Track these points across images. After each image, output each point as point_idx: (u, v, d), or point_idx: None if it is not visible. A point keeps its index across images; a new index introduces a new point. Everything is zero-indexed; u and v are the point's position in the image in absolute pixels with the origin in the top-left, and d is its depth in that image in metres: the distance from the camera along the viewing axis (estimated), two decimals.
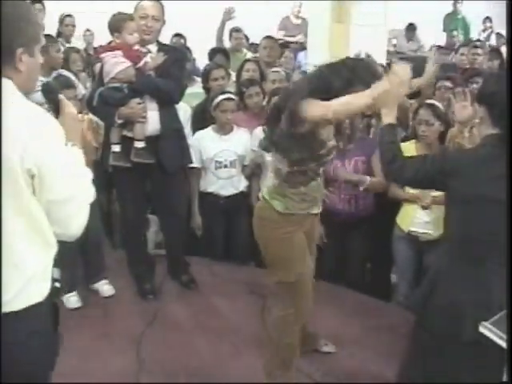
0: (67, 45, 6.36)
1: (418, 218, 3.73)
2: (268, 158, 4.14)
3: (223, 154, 4.25)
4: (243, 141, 4.31)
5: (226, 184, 4.30)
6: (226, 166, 4.27)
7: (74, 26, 6.88)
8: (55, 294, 1.91)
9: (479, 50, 5.80)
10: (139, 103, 3.63)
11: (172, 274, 4.16)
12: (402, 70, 2.45)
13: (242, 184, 4.36)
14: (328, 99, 2.62)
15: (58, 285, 1.92)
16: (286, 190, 2.83)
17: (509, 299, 1.38)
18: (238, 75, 5.05)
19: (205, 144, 4.26)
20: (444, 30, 9.88)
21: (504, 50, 7.52)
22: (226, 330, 3.60)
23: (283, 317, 2.95)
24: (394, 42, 9.18)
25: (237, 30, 7.03)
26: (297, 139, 2.71)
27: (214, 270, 4.33)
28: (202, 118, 4.46)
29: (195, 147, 4.22)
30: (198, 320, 3.71)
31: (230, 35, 6.94)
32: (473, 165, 2.22)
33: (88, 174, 1.91)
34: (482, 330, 1.44)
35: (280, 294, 2.96)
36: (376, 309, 3.93)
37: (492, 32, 10.16)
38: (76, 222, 1.82)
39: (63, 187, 1.77)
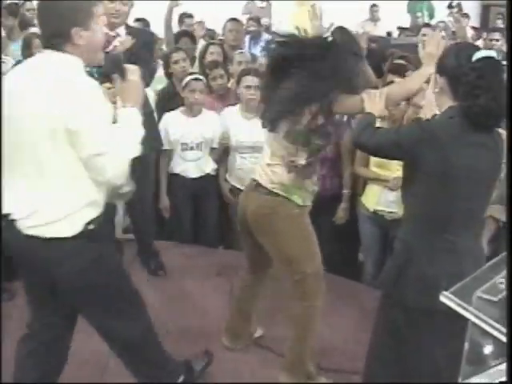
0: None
1: (383, 197, 3.76)
2: (241, 142, 4.16)
3: (190, 136, 4.24)
4: (211, 123, 4.29)
5: (192, 166, 4.29)
6: (192, 148, 4.26)
7: (34, 10, 6.70)
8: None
9: None
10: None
11: (141, 261, 4.15)
12: None
13: (209, 167, 4.35)
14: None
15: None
16: (303, 182, 2.80)
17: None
18: (201, 58, 5.02)
19: (172, 125, 4.24)
20: (408, 12, 9.97)
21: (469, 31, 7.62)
22: (194, 313, 3.62)
23: (312, 307, 2.87)
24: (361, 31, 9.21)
25: (189, 15, 6.87)
26: (316, 129, 2.71)
27: (183, 253, 4.33)
28: (166, 103, 4.45)
29: (163, 129, 4.21)
30: (167, 303, 3.71)
31: (182, 21, 6.81)
32: (448, 133, 2.22)
33: (134, 133, 2.30)
34: (442, 299, 1.46)
35: (304, 288, 2.83)
36: (345, 287, 3.96)
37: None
38: (109, 170, 2.18)
39: (95, 144, 2.13)
